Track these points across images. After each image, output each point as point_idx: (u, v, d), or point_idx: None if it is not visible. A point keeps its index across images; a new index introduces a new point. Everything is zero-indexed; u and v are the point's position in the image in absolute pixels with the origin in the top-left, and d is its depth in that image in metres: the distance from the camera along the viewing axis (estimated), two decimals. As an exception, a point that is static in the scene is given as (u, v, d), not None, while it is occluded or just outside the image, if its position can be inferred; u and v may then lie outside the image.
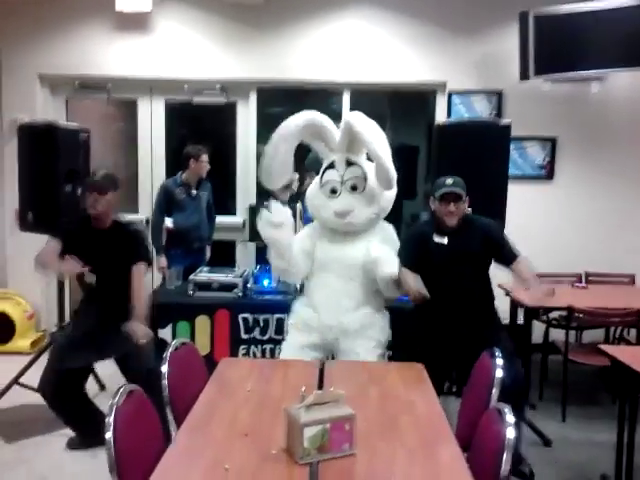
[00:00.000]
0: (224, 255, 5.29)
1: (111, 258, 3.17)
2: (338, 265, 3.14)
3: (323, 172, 3.19)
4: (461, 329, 3.01)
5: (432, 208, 3.10)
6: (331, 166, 3.16)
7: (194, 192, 4.70)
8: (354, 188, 3.12)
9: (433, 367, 2.74)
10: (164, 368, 2.29)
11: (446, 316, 3.05)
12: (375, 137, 3.02)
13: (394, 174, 3.07)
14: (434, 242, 3.06)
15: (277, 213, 3.15)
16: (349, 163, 3.13)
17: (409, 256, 3.11)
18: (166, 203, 4.63)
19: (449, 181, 3.03)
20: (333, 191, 3.14)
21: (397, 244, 3.24)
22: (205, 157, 4.70)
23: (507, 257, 3.04)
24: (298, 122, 3.12)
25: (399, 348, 3.60)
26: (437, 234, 3.06)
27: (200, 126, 6.02)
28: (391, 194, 3.23)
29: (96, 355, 3.28)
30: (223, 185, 5.30)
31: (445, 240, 3.05)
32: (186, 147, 4.76)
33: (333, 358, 3.22)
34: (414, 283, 2.94)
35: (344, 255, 3.16)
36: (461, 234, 3.04)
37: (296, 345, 3.17)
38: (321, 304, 3.16)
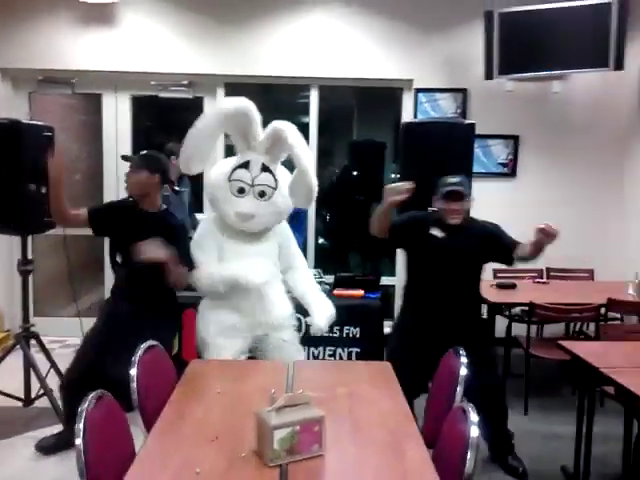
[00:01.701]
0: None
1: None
2: (252, 266, 3.11)
3: (235, 168, 3.12)
4: (447, 327, 3.05)
5: (435, 207, 3.13)
6: (245, 165, 3.10)
7: (176, 188, 4.72)
8: (262, 194, 3.10)
9: (410, 369, 2.81)
10: (133, 371, 2.30)
11: (433, 312, 3.09)
12: (306, 152, 3.08)
13: (315, 192, 3.13)
14: (430, 234, 3.08)
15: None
16: (265, 168, 3.11)
17: (397, 222, 3.16)
18: None
19: (453, 180, 3.04)
20: (240, 191, 3.10)
21: (294, 241, 3.36)
22: None
23: (508, 245, 3.07)
24: (230, 107, 3.07)
25: (368, 345, 3.67)
26: (436, 227, 3.08)
27: (167, 120, 5.97)
28: (290, 205, 3.24)
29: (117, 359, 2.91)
30: (192, 182, 5.26)
31: (441, 235, 3.07)
32: (167, 144, 4.74)
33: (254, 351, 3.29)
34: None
35: (255, 256, 3.16)
36: (460, 233, 3.06)
37: (227, 352, 3.11)
38: (246, 305, 3.13)
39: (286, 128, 3.08)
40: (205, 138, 3.06)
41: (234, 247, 3.15)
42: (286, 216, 3.27)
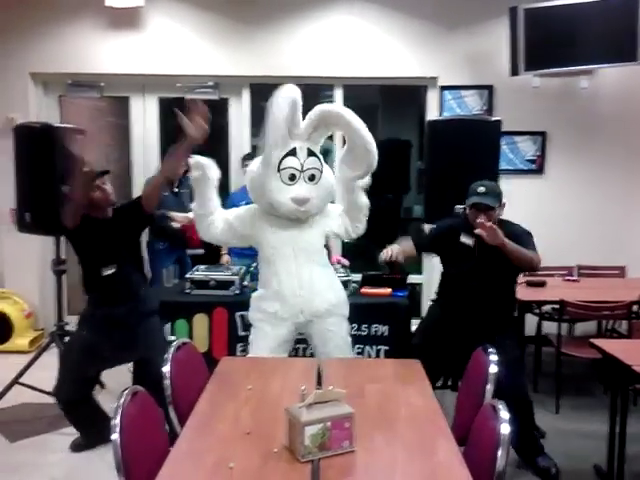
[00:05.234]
0: (218, 251, 5.29)
1: (124, 240, 3.15)
2: (298, 251, 3.17)
3: (282, 158, 3.13)
4: (473, 331, 3.03)
5: (465, 211, 3.12)
6: (292, 153, 3.14)
7: (176, 190, 4.77)
8: (312, 178, 3.16)
9: (434, 359, 2.82)
10: (166, 368, 2.34)
11: (462, 314, 3.10)
12: (361, 124, 3.10)
13: (375, 158, 3.13)
14: (460, 242, 3.07)
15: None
16: (310, 153, 3.16)
17: (424, 239, 3.23)
18: None
19: (481, 189, 2.99)
20: (292, 178, 3.14)
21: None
22: None
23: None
24: (295, 94, 3.06)
25: (396, 343, 3.67)
26: (465, 234, 3.06)
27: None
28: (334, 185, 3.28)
29: (117, 359, 3.22)
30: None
31: (472, 242, 3.04)
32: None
33: (304, 340, 3.35)
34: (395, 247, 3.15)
35: (303, 241, 3.19)
36: None
37: (269, 339, 3.19)
38: (288, 292, 3.16)
39: (334, 108, 3.15)
40: (283, 127, 3.05)
41: (278, 237, 3.19)
42: (332, 198, 3.31)
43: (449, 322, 3.16)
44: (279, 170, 3.13)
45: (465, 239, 3.08)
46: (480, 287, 3.06)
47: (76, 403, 3.25)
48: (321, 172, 3.18)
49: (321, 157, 3.22)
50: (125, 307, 3.16)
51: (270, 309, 3.18)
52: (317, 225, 3.25)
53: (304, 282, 3.15)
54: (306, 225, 3.22)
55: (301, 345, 3.49)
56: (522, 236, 3.06)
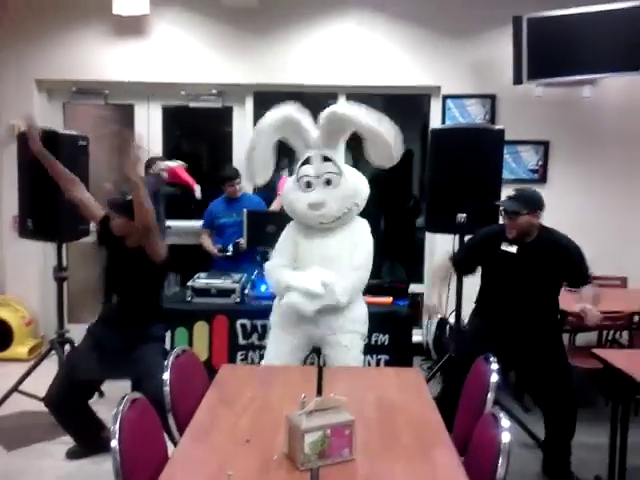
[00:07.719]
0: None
1: (135, 275, 3.16)
2: (322, 264, 3.15)
3: (299, 168, 3.24)
4: (516, 346, 3.02)
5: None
6: (307, 162, 3.21)
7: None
8: (328, 183, 3.17)
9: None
10: (166, 375, 2.33)
11: (507, 327, 3.07)
12: (367, 117, 3.08)
13: (394, 147, 3.10)
14: (501, 249, 3.06)
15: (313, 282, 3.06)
16: (325, 159, 3.18)
17: (465, 250, 3.20)
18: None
19: (512, 194, 3.03)
20: (308, 185, 3.19)
21: (369, 241, 3.24)
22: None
23: (574, 281, 3.09)
24: (275, 118, 3.19)
25: (396, 352, 3.67)
26: (506, 242, 3.06)
27: (197, 129, 6.05)
28: (365, 190, 3.27)
29: (110, 372, 3.21)
30: (220, 190, 5.31)
31: (514, 249, 3.03)
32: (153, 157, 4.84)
33: (319, 351, 3.33)
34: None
35: (327, 254, 3.18)
36: (533, 247, 3.00)
37: (282, 344, 3.20)
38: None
39: (338, 108, 3.15)
40: (260, 152, 3.23)
41: (305, 248, 3.22)
42: (360, 202, 3.25)
43: (493, 335, 3.09)
44: (297, 180, 3.23)
45: (507, 247, 3.05)
46: (525, 297, 3.02)
47: (67, 409, 3.20)
48: (339, 175, 3.17)
49: (338, 161, 3.21)
50: (122, 334, 3.14)
51: (290, 314, 3.16)
52: (342, 236, 3.22)
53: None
54: (331, 235, 3.21)
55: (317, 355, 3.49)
56: (573, 254, 3.03)
